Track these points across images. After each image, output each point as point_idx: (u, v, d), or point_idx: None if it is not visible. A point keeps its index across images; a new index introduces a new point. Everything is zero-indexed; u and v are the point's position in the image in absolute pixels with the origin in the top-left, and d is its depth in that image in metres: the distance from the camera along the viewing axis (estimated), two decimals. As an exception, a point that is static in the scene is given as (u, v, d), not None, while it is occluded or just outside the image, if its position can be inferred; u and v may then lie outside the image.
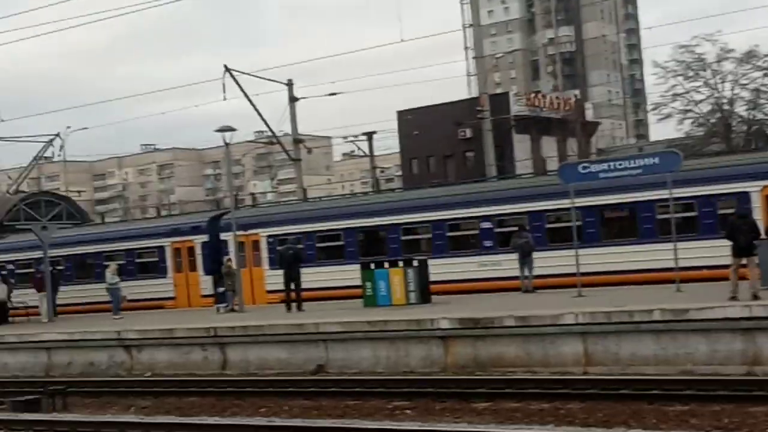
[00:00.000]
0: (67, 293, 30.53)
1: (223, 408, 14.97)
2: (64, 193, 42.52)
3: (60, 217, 28.21)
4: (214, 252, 28.76)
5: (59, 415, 14.96)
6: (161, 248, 30.67)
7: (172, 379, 18.35)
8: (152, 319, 23.66)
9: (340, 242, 27.37)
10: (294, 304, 22.84)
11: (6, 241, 34.01)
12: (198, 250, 29.64)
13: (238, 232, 27.23)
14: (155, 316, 25.69)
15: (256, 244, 28.41)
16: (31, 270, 31.88)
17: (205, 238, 29.13)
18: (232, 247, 27.50)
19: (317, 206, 30.44)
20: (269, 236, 28.24)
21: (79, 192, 63.63)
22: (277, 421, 12.68)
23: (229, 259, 26.05)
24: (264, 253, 28.58)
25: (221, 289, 25.74)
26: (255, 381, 17.09)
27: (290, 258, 23.45)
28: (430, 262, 22.65)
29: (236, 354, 19.26)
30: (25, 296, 29.60)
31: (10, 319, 29.29)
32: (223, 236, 28.75)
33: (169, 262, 30.43)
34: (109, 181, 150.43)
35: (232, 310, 24.69)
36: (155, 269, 30.87)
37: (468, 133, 54.93)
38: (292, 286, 23.14)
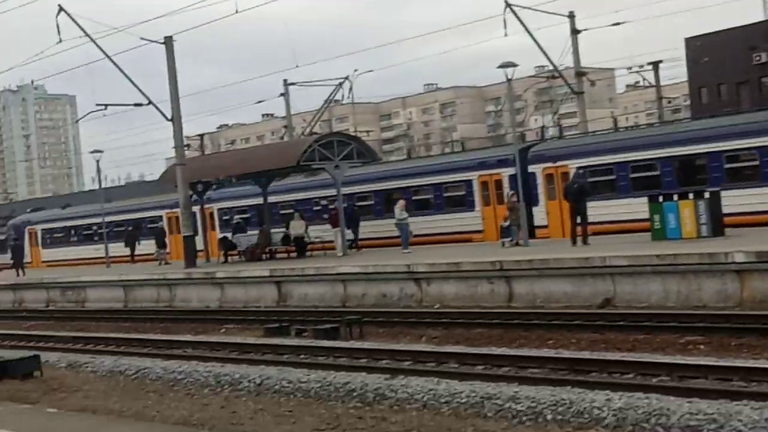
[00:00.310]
0: (365, 228, 31.85)
1: (510, 339, 15.16)
2: (353, 134, 44.28)
3: (351, 156, 29.38)
4: (523, 185, 28.57)
5: (356, 343, 15.79)
6: (468, 182, 30.77)
7: (459, 311, 18.78)
8: (440, 253, 24.24)
9: (655, 172, 26.04)
10: (579, 238, 22.58)
11: (303, 180, 36.00)
12: (506, 183, 29.28)
13: (547, 164, 27.01)
14: (443, 250, 26.29)
15: (565, 176, 27.67)
16: (323, 207, 33.82)
17: (512, 171, 28.95)
18: (540, 180, 27.41)
19: (631, 135, 29.02)
20: (579, 167, 27.57)
21: (367, 132, 66.08)
22: (565, 354, 12.71)
23: (514, 194, 26.11)
24: None
25: (506, 224, 25.87)
26: (541, 314, 17.15)
27: (576, 191, 23.14)
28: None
29: (522, 287, 19.38)
30: (322, 232, 31.28)
31: (308, 253, 31.17)
32: (531, 169, 28.56)
33: (477, 196, 30.51)
34: (394, 120, 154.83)
35: (517, 244, 24.82)
36: (462, 203, 31.03)
37: (764, 57, 51.42)
38: (578, 220, 22.87)
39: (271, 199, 34.28)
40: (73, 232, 48.96)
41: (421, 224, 30.22)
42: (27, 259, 50.64)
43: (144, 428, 8.72)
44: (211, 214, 38.91)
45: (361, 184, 33.01)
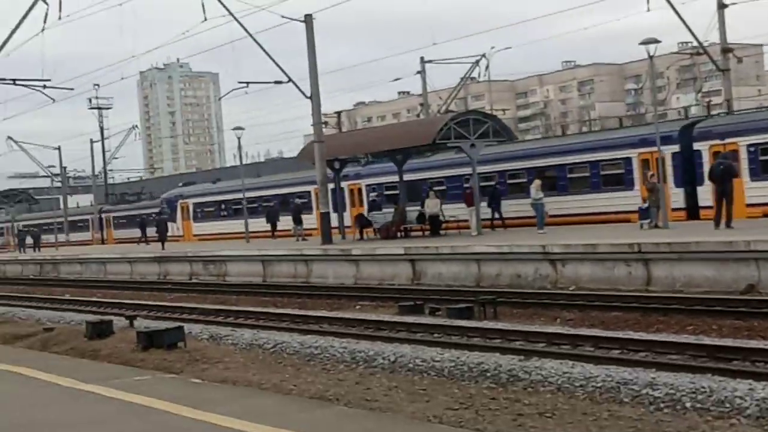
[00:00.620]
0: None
1: (648, 324, 14.85)
2: (489, 112, 44.03)
3: (487, 135, 29.23)
4: (687, 163, 27.69)
5: (490, 323, 15.75)
6: (627, 160, 29.93)
7: (595, 293, 18.48)
8: (575, 234, 23.91)
9: None
10: (723, 221, 21.85)
11: (438, 158, 36.05)
12: (669, 161, 28.24)
13: (714, 142, 26.21)
14: (578, 231, 25.91)
15: (734, 154, 26.52)
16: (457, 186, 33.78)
17: (675, 148, 27.97)
18: (706, 158, 26.68)
19: None
20: (750, 145, 26.51)
21: (503, 110, 65.58)
22: (706, 340, 12.37)
23: (653, 175, 25.47)
24: (745, 164, 26.69)
25: (644, 206, 25.28)
26: (681, 298, 16.70)
27: (721, 173, 22.40)
28: None
29: (661, 270, 18.92)
30: (457, 210, 31.29)
31: (442, 231, 31.24)
32: (696, 146, 27.64)
33: (636, 174, 29.53)
34: (531, 98, 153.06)
35: (656, 226, 24.23)
36: (620, 181, 30.17)
37: None
38: (724, 202, 22.13)
39: (408, 176, 34.48)
40: (223, 206, 49.84)
41: (573, 203, 29.77)
42: (179, 232, 52.79)
43: (282, 401, 8.93)
44: (360, 190, 39.22)
45: (509, 162, 32.73)
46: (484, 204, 30.65)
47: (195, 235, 51.46)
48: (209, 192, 52.13)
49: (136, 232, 57.07)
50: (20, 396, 9.14)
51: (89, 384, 9.37)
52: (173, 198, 55.31)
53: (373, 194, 38.47)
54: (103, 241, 66.40)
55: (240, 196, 43.09)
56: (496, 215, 31.25)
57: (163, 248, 39.72)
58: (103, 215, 68.02)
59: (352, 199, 38.82)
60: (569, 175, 31.40)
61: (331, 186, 33.87)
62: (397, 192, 35.06)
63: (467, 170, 31.22)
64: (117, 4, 30.38)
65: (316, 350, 14.01)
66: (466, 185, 32.78)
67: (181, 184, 60.77)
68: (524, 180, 32.15)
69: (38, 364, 11.11)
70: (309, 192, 41.49)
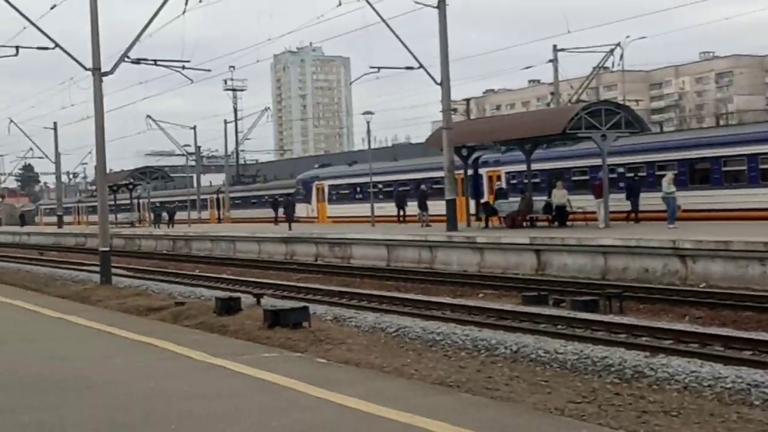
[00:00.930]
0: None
1: (782, 326, 14.36)
2: (621, 102, 43.13)
3: (618, 126, 28.66)
4: None
5: (616, 318, 15.51)
6: None
7: (727, 291, 17.96)
8: (708, 230, 23.25)
9: None
10: None
11: (568, 148, 35.53)
12: None
13: None
14: (710, 227, 25.19)
15: None
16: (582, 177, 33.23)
17: None
18: None
19: None
20: None
21: (636, 101, 64.16)
22: None
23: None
24: None
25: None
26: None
27: None
28: None
29: (798, 272, 18.24)
30: (584, 202, 30.82)
31: (568, 222, 30.85)
32: None
33: None
34: (665, 90, 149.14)
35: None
36: None
37: None
38: None
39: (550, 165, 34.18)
40: (358, 189, 49.32)
41: (723, 198, 28.90)
42: (314, 213, 52.99)
43: (405, 385, 9.02)
44: (499, 177, 38.83)
45: (652, 153, 32.08)
46: (617, 196, 30.18)
47: (329, 217, 51.26)
48: (345, 174, 51.22)
49: (254, 213, 57.94)
50: (155, 367, 9.50)
51: (219, 358, 9.67)
52: (309, 179, 55.08)
53: (511, 181, 37.76)
54: (219, 220, 67.95)
55: (376, 179, 43.06)
56: (633, 208, 30.60)
57: (290, 229, 40.45)
58: (220, 195, 69.76)
59: (490, 186, 38.26)
60: (724, 168, 30.36)
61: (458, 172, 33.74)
62: (538, 180, 34.56)
63: (616, 160, 30.89)
64: (255, -12, 30.87)
65: (438, 336, 14.08)
66: (594, 176, 32.25)
67: (317, 165, 60.36)
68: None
69: (170, 337, 11.52)
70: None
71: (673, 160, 31.50)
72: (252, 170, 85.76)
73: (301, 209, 54.15)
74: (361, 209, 45.93)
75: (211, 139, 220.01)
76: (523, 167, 34.78)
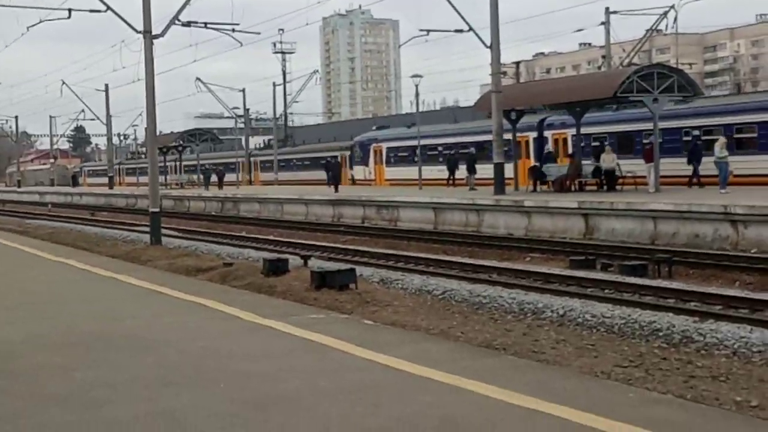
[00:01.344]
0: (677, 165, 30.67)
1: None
2: (674, 65, 42.48)
3: (671, 90, 28.25)
4: None
5: (665, 282, 15.41)
6: None
7: (779, 258, 17.72)
8: (761, 195, 22.91)
9: None
10: None
11: (588, 114, 35.14)
12: None
13: None
14: (764, 192, 24.80)
15: None
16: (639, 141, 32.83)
17: None
18: None
19: None
20: None
21: (689, 64, 63.14)
22: None
23: None
24: None
25: None
26: None
27: None
28: None
29: None
30: (634, 166, 30.51)
31: (618, 187, 30.57)
32: None
33: None
34: (720, 53, 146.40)
35: None
36: None
37: None
38: None
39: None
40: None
41: None
42: (371, 176, 52.47)
43: (451, 347, 9.06)
44: (565, 140, 37.85)
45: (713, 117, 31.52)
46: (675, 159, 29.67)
47: (387, 179, 50.35)
48: (405, 136, 49.14)
49: (300, 175, 57.72)
50: (204, 327, 9.64)
51: (267, 319, 9.78)
52: (366, 141, 53.86)
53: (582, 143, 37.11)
54: (250, 182, 68.83)
55: (436, 141, 42.38)
56: (695, 173, 30.13)
57: (336, 191, 40.55)
58: (252, 159, 70.73)
59: (556, 149, 37.21)
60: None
61: (507, 137, 33.39)
62: (606, 142, 33.93)
63: (684, 123, 30.62)
64: (304, -50, 30.68)
65: (484, 299, 14.09)
66: (645, 141, 31.88)
67: (374, 127, 58.38)
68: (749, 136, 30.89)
69: (219, 297, 11.66)
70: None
71: (729, 125, 30.98)
72: (301, 132, 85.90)
73: (358, 171, 53.79)
74: (423, 172, 44.63)
75: (260, 101, 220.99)
76: (591, 129, 34.23)
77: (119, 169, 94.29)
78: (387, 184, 49.06)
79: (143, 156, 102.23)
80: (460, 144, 43.85)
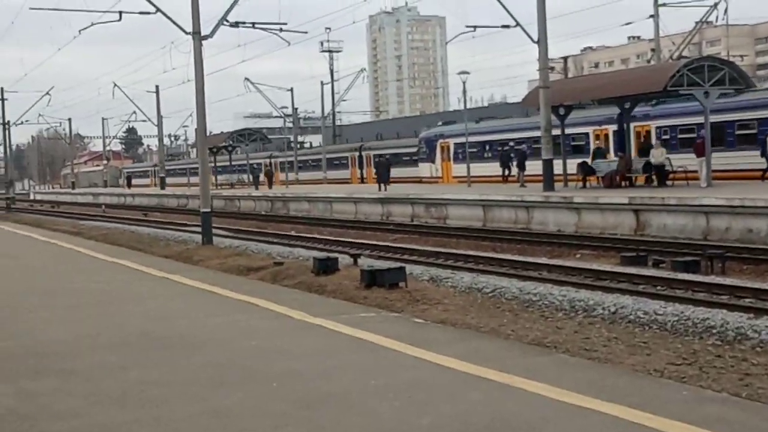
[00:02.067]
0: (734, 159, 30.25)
1: None
2: (725, 58, 41.88)
3: (722, 82, 27.89)
4: None
5: (717, 278, 15.20)
6: None
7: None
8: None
9: None
10: None
11: (668, 105, 34.75)
12: None
13: None
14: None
15: None
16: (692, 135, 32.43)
17: None
18: None
19: None
20: None
21: (741, 57, 62.24)
22: None
23: None
24: None
25: None
26: None
27: None
28: None
29: None
30: (685, 161, 30.16)
31: (668, 182, 30.24)
32: None
33: None
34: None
35: None
36: None
37: None
38: None
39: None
40: (487, 147, 45.56)
41: None
42: (438, 173, 50.15)
43: (502, 345, 9.05)
44: (648, 133, 36.40)
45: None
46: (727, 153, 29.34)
47: (455, 177, 47.60)
48: (474, 131, 45.31)
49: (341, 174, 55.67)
50: (256, 326, 9.73)
51: (317, 318, 9.85)
52: (433, 137, 51.47)
53: (662, 137, 36.39)
54: (362, 180, 63.70)
55: (508, 136, 41.03)
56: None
57: (384, 190, 40.58)
58: (364, 153, 65.30)
59: (638, 142, 35.52)
60: None
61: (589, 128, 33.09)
62: (693, 134, 33.18)
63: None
64: (352, -51, 30.78)
65: (534, 297, 14.02)
66: (697, 135, 31.49)
67: (440, 123, 55.20)
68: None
69: (270, 296, 11.75)
70: (587, 133, 38.49)
71: None
72: (346, 132, 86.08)
73: (424, 169, 51.49)
74: (492, 168, 42.74)
75: (308, 100, 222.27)
76: (677, 121, 33.69)
77: (154, 171, 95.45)
78: (455, 181, 46.55)
79: (179, 158, 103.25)
80: (532, 138, 40.86)
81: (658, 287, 14.47)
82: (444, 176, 49.79)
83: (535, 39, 31.37)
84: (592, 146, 37.34)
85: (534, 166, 34.97)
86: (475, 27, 34.77)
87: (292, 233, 30.08)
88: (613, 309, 12.57)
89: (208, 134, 32.71)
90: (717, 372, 9.05)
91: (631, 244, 20.99)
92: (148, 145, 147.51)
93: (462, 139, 46.31)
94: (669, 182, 30.20)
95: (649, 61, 54.22)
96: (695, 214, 22.26)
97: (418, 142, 53.53)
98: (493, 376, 6.87)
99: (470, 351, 7.89)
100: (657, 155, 30.55)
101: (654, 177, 30.58)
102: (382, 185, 41.76)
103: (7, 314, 11.16)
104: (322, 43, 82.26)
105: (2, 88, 70.78)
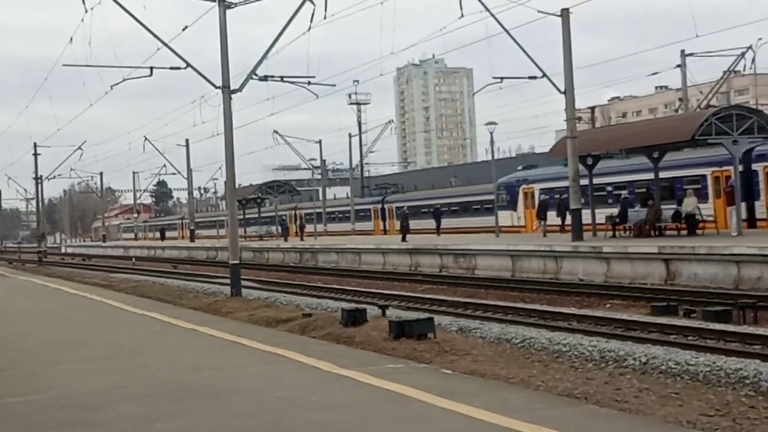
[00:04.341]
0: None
1: None
2: (753, 107, 41.78)
3: (751, 131, 27.78)
4: None
5: (750, 328, 15.01)
6: None
7: None
8: None
9: None
10: None
11: (698, 155, 34.66)
12: None
13: None
14: None
15: None
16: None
17: None
18: None
19: None
20: None
21: (769, 105, 62.01)
22: None
23: None
24: None
25: None
26: None
27: None
28: None
29: None
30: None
31: (698, 231, 30.02)
32: None
33: None
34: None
35: None
36: None
37: None
38: None
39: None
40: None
41: None
42: (520, 222, 46.49)
43: (531, 396, 8.95)
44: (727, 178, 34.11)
45: None
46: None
47: (550, 225, 40.81)
48: (561, 176, 39.04)
49: (419, 224, 52.33)
50: (284, 377, 9.69)
51: (345, 369, 9.80)
52: (514, 182, 47.96)
53: (621, 192, 36.34)
54: (385, 231, 62.73)
55: (610, 180, 37.73)
56: None
57: (404, 240, 40.62)
58: (386, 205, 64.11)
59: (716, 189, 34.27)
60: None
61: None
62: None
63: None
64: (378, 3, 31.01)
65: (564, 347, 13.90)
66: (727, 184, 31.31)
67: (520, 167, 51.48)
68: None
69: (298, 348, 11.72)
70: (704, 176, 35.48)
71: None
72: (374, 184, 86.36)
73: (504, 217, 45.81)
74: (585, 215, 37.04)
75: (336, 152, 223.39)
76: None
77: (181, 223, 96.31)
78: (539, 231, 41.00)
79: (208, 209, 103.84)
80: (634, 182, 38.09)
81: (690, 337, 14.31)
82: (527, 225, 45.89)
83: (562, 89, 31.48)
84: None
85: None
86: (502, 78, 34.90)
87: (320, 284, 30.11)
88: (644, 359, 12.42)
89: (237, 186, 32.92)
90: (751, 423, 8.89)
91: (661, 293, 20.80)
92: (177, 198, 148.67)
93: (548, 184, 43.11)
94: (699, 231, 29.98)
95: (676, 111, 54.16)
96: (726, 263, 22.06)
97: (496, 188, 48.15)
98: (522, 428, 6.79)
99: (499, 402, 7.81)
100: (688, 204, 30.39)
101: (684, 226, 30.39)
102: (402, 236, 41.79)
103: (37, 366, 11.21)
104: (350, 96, 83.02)
105: (35, 143, 71.71)
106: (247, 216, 67.96)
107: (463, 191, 58.46)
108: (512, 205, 47.74)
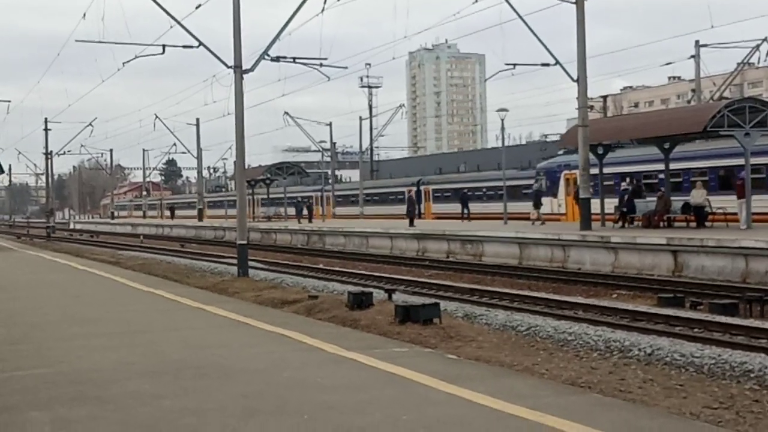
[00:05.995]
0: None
1: None
2: (766, 100, 41.61)
3: (763, 124, 27.65)
4: None
5: (756, 322, 15.01)
6: None
7: None
8: None
9: None
10: None
11: (706, 147, 34.54)
12: None
13: None
14: None
15: None
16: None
17: None
18: None
19: None
20: None
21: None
22: None
23: None
24: None
25: None
26: None
27: None
28: None
29: None
30: (725, 202, 29.90)
31: (707, 223, 29.96)
32: None
33: None
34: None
35: None
36: None
37: None
38: None
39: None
40: (627, 180, 35.85)
41: None
42: (561, 209, 43.68)
43: (535, 384, 8.99)
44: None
45: None
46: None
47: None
48: (613, 161, 35.78)
49: (456, 207, 50.87)
50: (289, 358, 9.74)
51: (351, 351, 9.85)
52: (555, 168, 45.41)
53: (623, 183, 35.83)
54: (420, 215, 57.80)
55: (639, 168, 36.35)
56: None
57: (411, 225, 40.71)
58: (422, 187, 62.11)
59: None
60: None
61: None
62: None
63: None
64: (392, -14, 31.05)
65: (569, 336, 13.93)
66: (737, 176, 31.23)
67: (561, 152, 45.97)
68: None
69: (304, 329, 11.77)
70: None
71: None
72: (383, 168, 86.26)
73: (544, 204, 42.06)
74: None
75: (347, 135, 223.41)
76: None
77: (160, 203, 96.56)
78: (573, 220, 38.57)
79: (221, 189, 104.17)
80: (692, 170, 35.64)
81: (696, 329, 14.33)
82: (568, 213, 42.61)
83: (575, 77, 31.39)
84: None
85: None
86: (514, 65, 34.83)
87: (322, 266, 30.17)
88: (649, 350, 12.45)
89: (246, 167, 32.96)
90: (755, 417, 8.92)
91: (668, 285, 20.81)
92: (187, 177, 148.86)
93: (594, 170, 36.28)
94: (708, 223, 29.93)
95: (689, 102, 53.97)
96: (734, 256, 22.04)
97: (536, 174, 46.66)
98: (525, 414, 6.83)
99: (503, 388, 7.85)
100: (697, 196, 30.32)
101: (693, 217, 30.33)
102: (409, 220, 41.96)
103: (46, 341, 11.28)
104: (361, 79, 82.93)
105: (46, 119, 71.96)
106: (257, 196, 67.97)
107: (510, 175, 50.20)
108: (552, 191, 44.94)
